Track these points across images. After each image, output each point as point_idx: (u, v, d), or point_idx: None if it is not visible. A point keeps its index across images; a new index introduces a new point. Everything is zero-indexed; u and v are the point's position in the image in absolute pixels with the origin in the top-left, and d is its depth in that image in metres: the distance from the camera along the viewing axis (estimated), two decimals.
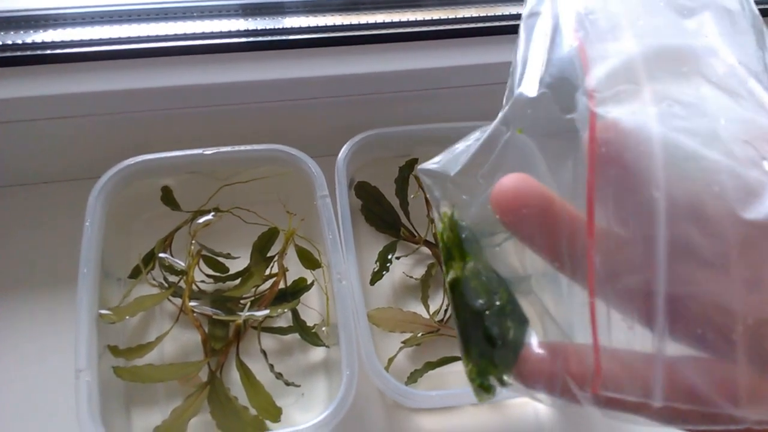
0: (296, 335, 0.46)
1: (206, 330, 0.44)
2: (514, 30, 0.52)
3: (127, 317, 0.43)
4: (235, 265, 0.48)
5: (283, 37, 0.51)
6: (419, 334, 0.46)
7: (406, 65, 0.51)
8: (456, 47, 0.52)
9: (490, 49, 0.52)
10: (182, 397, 0.42)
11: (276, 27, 0.51)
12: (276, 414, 0.41)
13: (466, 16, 0.53)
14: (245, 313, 0.44)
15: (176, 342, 0.45)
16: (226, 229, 0.49)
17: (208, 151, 0.47)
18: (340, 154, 0.49)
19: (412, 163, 0.53)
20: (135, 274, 0.47)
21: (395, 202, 0.53)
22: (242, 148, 0.48)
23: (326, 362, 0.46)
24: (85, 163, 0.51)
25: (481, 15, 0.53)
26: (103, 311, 0.41)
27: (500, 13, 0.53)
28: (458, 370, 0.47)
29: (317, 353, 0.46)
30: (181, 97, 0.49)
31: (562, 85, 0.19)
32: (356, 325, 0.42)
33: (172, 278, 0.46)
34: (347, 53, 0.51)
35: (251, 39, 0.50)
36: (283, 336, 0.46)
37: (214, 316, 0.44)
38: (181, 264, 0.46)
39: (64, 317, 0.44)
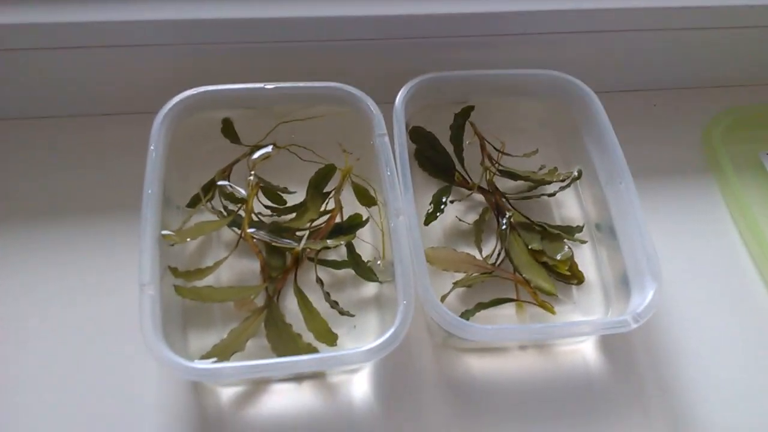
0: (349, 271, 0.46)
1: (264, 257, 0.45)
2: None
3: (188, 239, 0.44)
4: (292, 200, 0.49)
5: None
6: (473, 275, 0.46)
7: (465, 8, 0.51)
8: None
9: None
10: (237, 321, 0.42)
11: None
12: (332, 339, 0.41)
13: None
14: (303, 242, 0.44)
15: (233, 270, 0.46)
16: (282, 166, 0.50)
17: (269, 86, 0.48)
18: (398, 96, 0.49)
19: (468, 111, 0.53)
20: (193, 203, 0.48)
21: (450, 148, 0.53)
22: (302, 84, 0.48)
23: (378, 298, 0.46)
24: (149, 95, 0.51)
25: None
26: (166, 232, 0.42)
27: None
28: (509, 313, 0.47)
29: (369, 289, 0.47)
30: (243, 31, 0.50)
31: None
32: (413, 259, 0.42)
33: (231, 207, 0.47)
34: None
35: None
36: (336, 270, 0.46)
37: (273, 243, 0.44)
38: (241, 191, 0.47)
39: (127, 241, 0.45)
